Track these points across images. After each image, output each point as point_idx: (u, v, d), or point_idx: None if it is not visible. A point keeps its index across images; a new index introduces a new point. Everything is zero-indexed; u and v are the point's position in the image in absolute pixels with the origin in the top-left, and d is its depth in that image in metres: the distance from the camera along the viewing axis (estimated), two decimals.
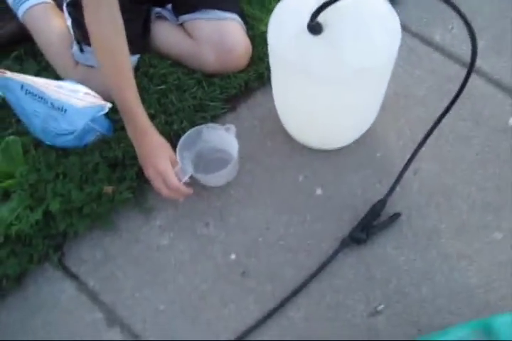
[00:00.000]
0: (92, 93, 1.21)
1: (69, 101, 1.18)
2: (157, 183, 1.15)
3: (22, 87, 1.17)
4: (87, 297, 1.20)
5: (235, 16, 1.32)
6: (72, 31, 1.29)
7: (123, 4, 1.15)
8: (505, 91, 1.32)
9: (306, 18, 0.95)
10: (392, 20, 1.01)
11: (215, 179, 1.24)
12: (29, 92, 1.17)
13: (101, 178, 1.23)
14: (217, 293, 1.18)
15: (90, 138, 1.26)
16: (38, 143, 1.31)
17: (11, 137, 1.31)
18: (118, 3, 1.12)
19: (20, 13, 1.37)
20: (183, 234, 1.24)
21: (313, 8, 0.94)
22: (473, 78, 1.31)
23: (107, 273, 1.22)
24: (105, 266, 1.23)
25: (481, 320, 0.88)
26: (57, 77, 1.36)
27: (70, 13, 1.30)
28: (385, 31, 1.00)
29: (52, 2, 1.40)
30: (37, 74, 1.39)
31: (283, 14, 1.03)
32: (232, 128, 1.19)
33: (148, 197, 1.27)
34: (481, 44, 1.36)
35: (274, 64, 1.09)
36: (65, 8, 1.31)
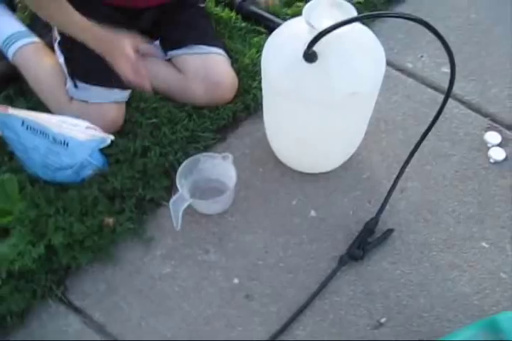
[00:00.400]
0: (93, 126, 1.24)
1: (71, 135, 1.20)
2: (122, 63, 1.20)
3: (23, 123, 1.19)
4: (93, 329, 1.20)
5: (220, 51, 1.39)
6: (65, 68, 1.33)
7: None
8: (477, 112, 1.43)
9: (300, 48, 1.03)
10: (377, 49, 1.10)
11: (213, 206, 1.29)
12: (30, 128, 1.19)
13: (101, 211, 1.26)
14: (223, 318, 1.21)
15: (87, 172, 1.29)
16: (33, 180, 1.32)
17: (6, 175, 1.32)
18: None
19: (10, 53, 1.40)
20: (184, 261, 1.27)
21: (307, 39, 1.03)
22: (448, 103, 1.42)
23: (112, 305, 1.23)
24: (109, 297, 1.23)
25: (487, 319, 0.93)
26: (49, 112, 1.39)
27: (62, 51, 1.34)
28: (372, 59, 1.09)
29: (42, 42, 1.44)
30: None
31: (276, 44, 1.12)
32: (230, 156, 1.24)
33: (147, 228, 1.30)
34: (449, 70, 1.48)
35: (268, 91, 1.16)
36: (56, 46, 1.35)
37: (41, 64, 1.36)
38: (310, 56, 1.03)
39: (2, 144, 1.38)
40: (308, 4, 1.03)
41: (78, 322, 1.21)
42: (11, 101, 1.44)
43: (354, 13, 1.02)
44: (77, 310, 1.23)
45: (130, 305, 1.23)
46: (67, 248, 1.23)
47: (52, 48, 1.40)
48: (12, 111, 1.19)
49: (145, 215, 1.30)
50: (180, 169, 1.23)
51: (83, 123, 1.22)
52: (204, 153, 1.27)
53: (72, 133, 1.20)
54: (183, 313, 1.22)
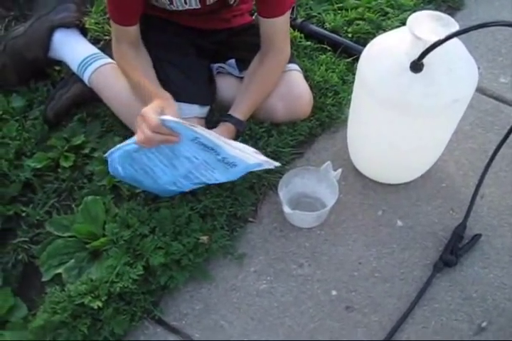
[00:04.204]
0: (257, 151, 1.20)
1: (243, 158, 1.17)
2: (139, 125, 1.11)
3: (196, 138, 1.13)
4: None
5: (296, 67, 1.42)
6: None
7: (184, 58, 1.34)
8: None
9: (402, 58, 1.07)
10: (470, 58, 1.14)
11: (311, 219, 1.29)
12: (201, 143, 1.14)
13: (194, 229, 1.25)
14: (327, 331, 1.20)
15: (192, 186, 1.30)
16: (117, 201, 1.32)
17: (90, 197, 1.31)
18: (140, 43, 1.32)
19: (86, 75, 1.41)
20: (279, 277, 1.27)
21: (408, 50, 1.07)
22: (510, 111, 1.48)
23: (211, 324, 1.21)
24: (207, 317, 1.22)
25: None
26: (123, 133, 1.40)
27: None
28: (468, 67, 1.13)
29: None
30: (101, 135, 1.43)
31: (374, 56, 1.15)
32: (331, 171, 1.27)
33: (239, 246, 1.30)
34: (508, 79, 1.55)
35: (366, 101, 1.19)
36: None
37: (120, 82, 1.36)
38: (418, 66, 1.07)
39: (80, 167, 1.39)
40: (413, 16, 1.07)
41: None
42: (84, 124, 1.45)
43: (456, 26, 1.06)
44: (176, 331, 1.21)
45: (230, 324, 1.21)
46: (164, 268, 1.21)
47: None
48: (198, 130, 1.13)
49: (235, 232, 1.31)
50: (280, 181, 1.26)
51: (250, 148, 1.19)
52: (306, 167, 1.30)
53: (245, 156, 1.17)
54: (286, 328, 1.21)
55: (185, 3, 1.29)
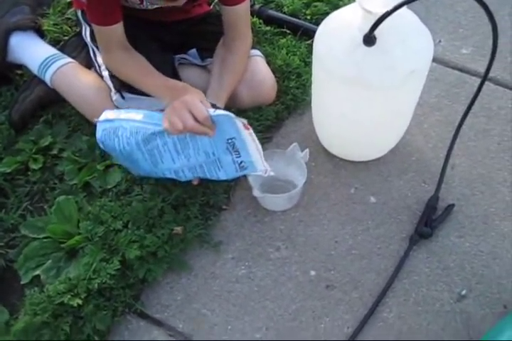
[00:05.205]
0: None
1: (256, 164, 1.18)
2: (182, 113, 1.09)
3: (233, 138, 1.14)
4: (181, 340, 1.19)
5: (258, 52, 1.42)
6: (110, 82, 1.34)
7: (148, 55, 1.29)
8: (504, 86, 1.50)
9: (355, 34, 1.07)
10: (425, 29, 1.14)
11: (283, 201, 1.30)
12: (232, 143, 1.15)
13: (168, 220, 1.25)
14: (309, 311, 1.21)
15: None
16: (89, 198, 1.32)
17: (62, 197, 1.31)
18: (127, 44, 1.29)
19: (48, 76, 1.40)
20: (257, 261, 1.27)
21: (361, 24, 1.07)
22: (474, 81, 1.49)
23: (194, 313, 1.21)
24: (189, 306, 1.22)
25: None
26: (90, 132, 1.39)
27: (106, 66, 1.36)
28: (423, 38, 1.13)
29: (76, 62, 1.45)
30: (68, 135, 1.43)
31: (328, 33, 1.15)
32: (298, 151, 1.26)
33: (214, 234, 1.30)
34: (469, 50, 1.56)
35: (325, 79, 1.19)
36: (99, 62, 1.37)
37: (83, 80, 1.37)
38: (370, 39, 1.07)
39: (49, 168, 1.39)
40: None
41: (164, 335, 1.20)
42: (50, 125, 1.45)
43: None
44: (159, 324, 1.21)
45: (213, 311, 1.22)
46: (141, 261, 1.21)
47: (87, 67, 1.43)
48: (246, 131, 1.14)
49: (209, 221, 1.31)
50: None
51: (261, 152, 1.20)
52: (274, 150, 1.31)
53: (259, 162, 1.18)
54: (268, 312, 1.21)
55: (155, 3, 1.29)
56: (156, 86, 1.25)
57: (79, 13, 1.44)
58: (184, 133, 1.12)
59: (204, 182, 1.30)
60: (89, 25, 1.38)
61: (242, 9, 1.31)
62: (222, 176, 1.24)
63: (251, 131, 1.13)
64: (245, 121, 1.12)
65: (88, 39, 1.41)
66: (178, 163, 1.21)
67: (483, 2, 0.97)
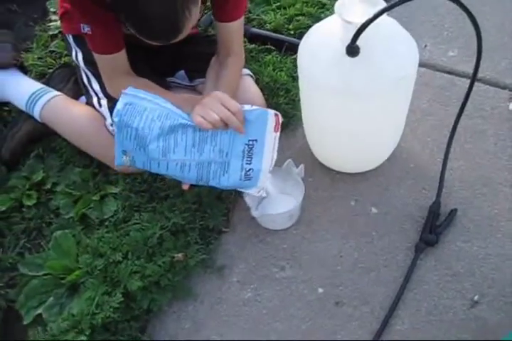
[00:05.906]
0: None
1: (261, 179, 1.17)
2: (216, 106, 1.09)
3: (254, 141, 1.13)
4: None
5: (247, 71, 1.42)
6: (107, 111, 1.31)
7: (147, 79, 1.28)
8: (495, 86, 1.49)
9: (337, 45, 1.06)
10: (407, 35, 1.13)
11: (283, 219, 1.27)
12: (249, 146, 1.13)
13: (168, 248, 1.23)
14: (321, 329, 1.18)
15: None
16: (87, 231, 1.30)
17: (59, 232, 1.29)
18: (130, 70, 1.26)
19: (37, 110, 1.39)
20: (263, 283, 1.24)
21: (343, 35, 1.06)
22: (464, 82, 1.48)
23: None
24: (198, 334, 1.19)
25: None
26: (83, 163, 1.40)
27: (105, 95, 1.34)
28: (407, 43, 1.12)
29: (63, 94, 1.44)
30: (61, 169, 1.41)
31: (311, 46, 1.14)
32: (293, 168, 1.25)
33: (216, 258, 1.28)
34: (456, 52, 1.55)
35: (313, 93, 1.18)
36: (96, 88, 1.36)
37: (75, 111, 1.37)
38: (353, 49, 1.05)
39: (44, 203, 1.37)
40: (339, 2, 1.06)
41: None
42: (42, 160, 1.43)
43: (383, 4, 1.06)
44: None
45: (223, 337, 1.19)
46: (144, 291, 1.19)
47: (74, 98, 1.43)
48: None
49: (210, 245, 1.28)
50: None
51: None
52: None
53: (264, 179, 1.17)
54: (279, 334, 1.18)
55: None
56: (175, 100, 1.21)
57: (70, 39, 1.42)
58: (216, 128, 1.11)
59: (202, 206, 1.29)
60: (82, 50, 1.37)
61: (236, 26, 1.32)
62: (224, 182, 1.19)
63: (278, 134, 1.13)
64: (280, 119, 1.12)
65: (81, 64, 1.39)
66: (189, 156, 1.16)
67: (466, 7, 0.97)
